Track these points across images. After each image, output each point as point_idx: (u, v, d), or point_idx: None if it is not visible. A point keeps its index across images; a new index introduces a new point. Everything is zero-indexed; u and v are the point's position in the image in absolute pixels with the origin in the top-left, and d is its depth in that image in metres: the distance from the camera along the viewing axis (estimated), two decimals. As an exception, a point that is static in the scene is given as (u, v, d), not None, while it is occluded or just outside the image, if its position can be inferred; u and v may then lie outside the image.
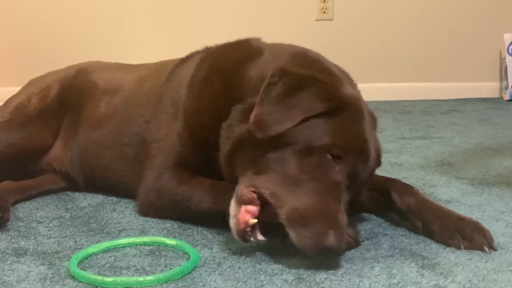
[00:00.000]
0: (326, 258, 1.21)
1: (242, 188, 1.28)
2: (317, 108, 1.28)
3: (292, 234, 1.19)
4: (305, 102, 1.29)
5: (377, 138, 1.44)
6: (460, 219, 1.37)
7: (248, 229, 1.24)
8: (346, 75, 1.55)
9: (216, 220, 1.44)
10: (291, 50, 1.54)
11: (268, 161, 1.28)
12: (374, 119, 1.48)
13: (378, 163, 1.43)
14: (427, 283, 1.15)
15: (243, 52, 1.57)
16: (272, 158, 1.28)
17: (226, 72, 1.52)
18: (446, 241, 1.34)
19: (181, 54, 1.80)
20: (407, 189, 1.47)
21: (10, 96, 2.00)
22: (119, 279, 1.16)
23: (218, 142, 1.43)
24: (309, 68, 1.41)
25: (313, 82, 1.31)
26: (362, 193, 1.49)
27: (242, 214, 1.25)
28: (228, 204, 1.30)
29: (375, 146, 1.38)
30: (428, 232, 1.39)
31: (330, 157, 1.25)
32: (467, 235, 1.32)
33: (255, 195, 1.26)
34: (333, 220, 1.18)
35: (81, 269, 1.21)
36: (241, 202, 1.27)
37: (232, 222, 1.27)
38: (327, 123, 1.28)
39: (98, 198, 1.78)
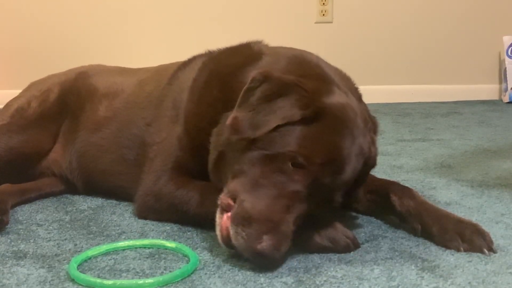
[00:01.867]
0: (262, 262, 1.20)
1: (221, 195, 1.30)
2: (293, 116, 1.27)
3: (231, 232, 1.21)
4: (282, 109, 1.28)
5: (371, 143, 1.40)
6: (460, 221, 1.37)
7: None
8: (347, 79, 1.55)
9: (214, 223, 1.44)
10: (289, 54, 1.54)
11: (242, 165, 1.29)
12: (374, 124, 1.47)
13: (366, 168, 1.40)
14: (427, 285, 1.14)
15: (242, 57, 1.57)
16: (245, 162, 1.29)
17: (224, 77, 1.52)
18: (445, 243, 1.34)
19: (182, 57, 1.80)
20: (406, 192, 1.47)
21: (10, 99, 2.00)
22: (118, 282, 1.16)
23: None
24: (304, 72, 1.41)
25: (294, 89, 1.30)
26: (347, 198, 1.44)
27: (224, 221, 1.25)
28: None
29: (361, 153, 1.33)
30: (427, 234, 1.39)
31: (290, 165, 1.24)
32: (466, 237, 1.32)
33: (231, 201, 1.27)
34: (272, 226, 1.18)
35: (80, 272, 1.21)
36: (222, 209, 1.28)
37: (217, 229, 1.27)
38: (300, 131, 1.27)
39: (97, 201, 1.78)
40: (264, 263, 1.21)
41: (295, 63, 1.49)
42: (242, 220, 1.20)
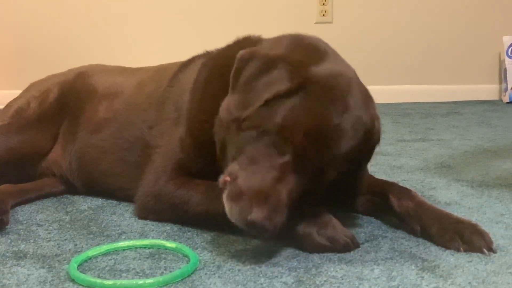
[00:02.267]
0: (257, 233, 1.22)
1: (220, 177, 1.30)
2: (280, 88, 1.27)
3: (226, 208, 1.24)
4: (269, 84, 1.29)
5: (375, 117, 1.37)
6: (459, 222, 1.36)
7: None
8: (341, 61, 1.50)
9: (215, 222, 1.44)
10: (287, 35, 1.50)
11: (238, 146, 1.31)
12: (368, 98, 1.41)
13: (370, 144, 1.37)
14: (427, 285, 1.14)
15: (239, 47, 1.57)
16: (241, 142, 1.31)
17: (223, 70, 1.51)
18: (445, 244, 1.33)
19: (182, 57, 1.80)
20: (405, 192, 1.47)
21: (10, 99, 2.00)
22: (119, 282, 1.16)
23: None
24: (295, 46, 1.40)
25: (280, 63, 1.31)
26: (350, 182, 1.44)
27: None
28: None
29: (360, 125, 1.30)
30: (427, 235, 1.38)
31: (277, 138, 1.26)
32: (466, 238, 1.31)
33: (228, 178, 1.27)
34: (262, 197, 1.19)
35: (81, 272, 1.21)
36: (222, 189, 1.28)
37: (227, 212, 1.26)
38: (287, 104, 1.27)
39: (97, 201, 1.78)
40: (258, 234, 1.22)
41: (288, 40, 1.46)
42: (235, 195, 1.22)
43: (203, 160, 1.51)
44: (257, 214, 1.17)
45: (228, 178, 1.26)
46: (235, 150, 1.32)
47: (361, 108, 1.32)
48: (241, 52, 1.37)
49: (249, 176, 1.24)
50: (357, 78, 1.39)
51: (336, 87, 1.29)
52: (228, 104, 1.33)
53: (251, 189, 1.21)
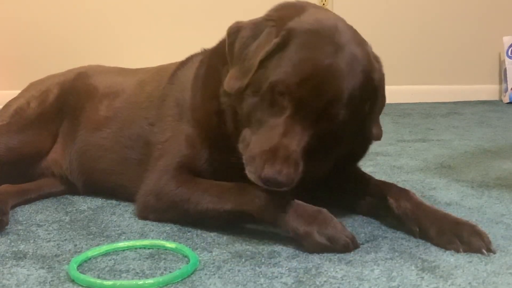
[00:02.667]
0: (273, 188, 1.28)
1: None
2: (268, 47, 1.31)
3: (247, 173, 1.31)
4: (259, 46, 1.34)
5: (373, 57, 1.39)
6: (457, 223, 1.36)
7: None
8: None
9: (215, 220, 1.44)
10: (274, 6, 1.51)
11: (246, 114, 1.37)
12: (377, 59, 1.44)
13: (374, 83, 1.37)
14: (427, 286, 1.14)
15: None
16: (248, 110, 1.36)
17: (222, 56, 1.51)
18: (444, 245, 1.33)
19: (181, 56, 1.81)
20: (403, 194, 1.46)
21: (10, 99, 2.00)
22: (118, 282, 1.16)
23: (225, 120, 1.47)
24: (279, 8, 1.44)
25: (264, 25, 1.37)
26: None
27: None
28: (227, 203, 1.40)
29: (356, 62, 1.32)
30: (425, 236, 1.38)
31: (275, 95, 1.30)
32: (464, 239, 1.31)
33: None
34: (271, 154, 1.26)
35: (80, 272, 1.20)
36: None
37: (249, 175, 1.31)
38: (277, 59, 1.31)
39: (97, 201, 1.78)
40: (276, 188, 1.27)
41: (273, 7, 1.50)
42: (250, 159, 1.30)
43: (211, 151, 1.52)
44: (267, 170, 1.24)
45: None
46: (243, 118, 1.37)
47: (354, 46, 1.35)
48: (229, 27, 1.42)
49: (258, 138, 1.31)
50: (344, 22, 1.42)
51: (320, 30, 1.33)
52: (229, 77, 1.39)
53: (261, 150, 1.28)
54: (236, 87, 1.37)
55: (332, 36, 1.32)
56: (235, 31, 1.40)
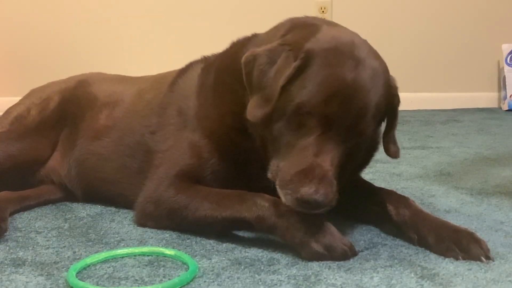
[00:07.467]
0: (311, 210, 1.26)
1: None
2: (289, 72, 1.31)
3: (281, 197, 1.29)
4: (279, 71, 1.33)
5: (381, 66, 1.39)
6: (456, 230, 1.36)
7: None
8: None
9: (214, 227, 1.44)
10: (283, 23, 1.53)
11: (275, 139, 1.35)
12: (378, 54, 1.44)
13: (391, 91, 1.39)
14: (426, 293, 1.14)
15: (240, 44, 1.59)
16: (276, 135, 1.35)
17: (230, 71, 1.52)
18: (443, 253, 1.33)
19: (181, 62, 1.81)
20: (402, 201, 1.46)
21: (10, 106, 2.00)
22: (117, 289, 1.16)
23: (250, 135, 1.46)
24: (291, 28, 1.44)
25: (280, 50, 1.35)
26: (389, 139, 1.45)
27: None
28: (226, 210, 1.39)
29: (377, 74, 1.33)
30: (424, 244, 1.38)
31: (302, 117, 1.29)
32: (463, 247, 1.31)
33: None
34: (304, 175, 1.24)
35: (79, 279, 1.20)
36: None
37: (285, 199, 1.29)
38: (299, 81, 1.31)
39: (96, 208, 1.78)
40: (315, 209, 1.25)
41: (283, 26, 1.51)
42: (284, 183, 1.28)
43: (221, 163, 1.51)
44: (305, 190, 1.22)
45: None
46: (273, 145, 1.36)
47: (373, 59, 1.36)
48: (244, 56, 1.40)
49: (290, 162, 1.29)
50: (359, 36, 1.42)
51: (339, 47, 1.33)
52: (251, 106, 1.37)
53: (295, 173, 1.26)
54: (260, 115, 1.35)
55: (351, 51, 1.33)
56: (251, 59, 1.38)
